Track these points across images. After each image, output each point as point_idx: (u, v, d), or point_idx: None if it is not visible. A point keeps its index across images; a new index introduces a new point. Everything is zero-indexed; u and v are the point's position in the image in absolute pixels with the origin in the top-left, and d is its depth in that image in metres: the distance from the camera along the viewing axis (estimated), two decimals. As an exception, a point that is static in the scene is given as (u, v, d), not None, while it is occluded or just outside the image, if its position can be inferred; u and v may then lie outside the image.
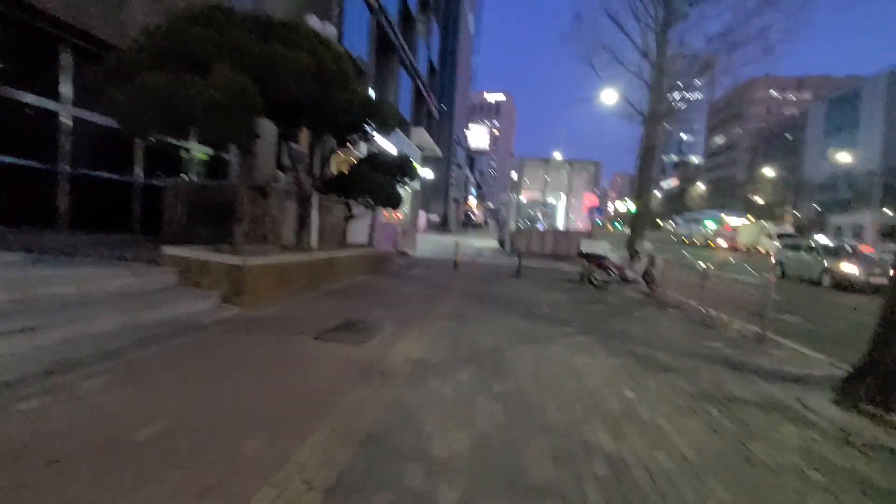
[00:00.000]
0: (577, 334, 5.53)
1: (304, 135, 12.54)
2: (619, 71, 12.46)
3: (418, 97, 33.12)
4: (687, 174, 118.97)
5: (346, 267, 8.73)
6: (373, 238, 11.85)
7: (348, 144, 9.12)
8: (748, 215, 34.27)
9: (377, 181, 9.11)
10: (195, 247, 5.97)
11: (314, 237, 8.26)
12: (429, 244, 20.45)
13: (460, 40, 51.93)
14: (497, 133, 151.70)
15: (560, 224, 25.69)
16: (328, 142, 8.85)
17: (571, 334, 5.52)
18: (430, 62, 36.90)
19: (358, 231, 13.24)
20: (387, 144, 21.75)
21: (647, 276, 9.83)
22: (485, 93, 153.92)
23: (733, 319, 6.80)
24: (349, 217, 9.76)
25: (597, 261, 9.99)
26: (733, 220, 33.59)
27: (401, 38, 26.13)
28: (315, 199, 8.27)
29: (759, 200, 61.22)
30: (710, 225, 35.85)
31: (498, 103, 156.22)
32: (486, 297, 7.94)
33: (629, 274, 9.81)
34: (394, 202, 10.06)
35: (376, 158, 11.68)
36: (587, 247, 10.10)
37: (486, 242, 26.33)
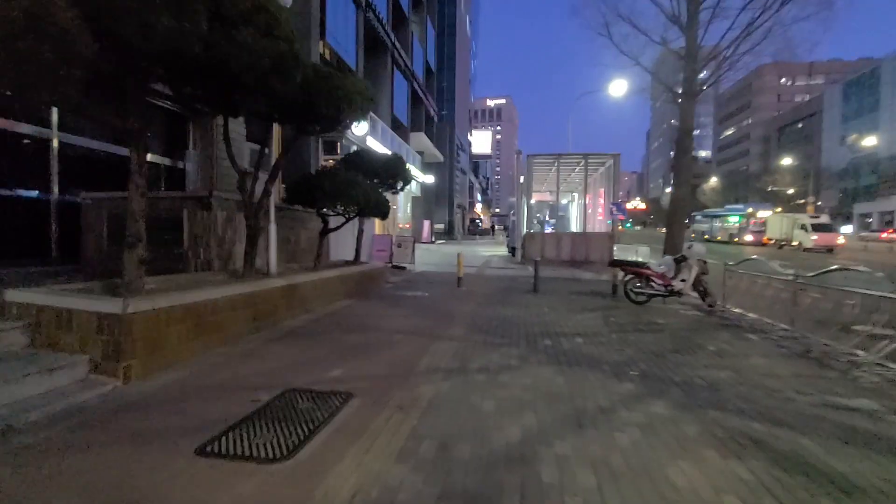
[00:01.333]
0: (645, 396, 3.53)
1: (276, 134, 10.75)
2: (641, 44, 10.55)
3: (415, 100, 31.44)
4: (696, 169, 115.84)
5: (316, 293, 6.83)
6: (359, 253, 9.97)
7: (336, 145, 7.22)
8: (777, 207, 31.87)
9: (356, 185, 7.22)
10: (61, 288, 4.10)
11: (272, 259, 6.38)
12: (431, 256, 18.53)
13: (457, 42, 50.42)
14: (500, 137, 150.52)
15: (575, 226, 23.62)
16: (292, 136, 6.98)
17: (637, 397, 3.52)
18: (427, 64, 35.28)
19: (346, 246, 11.38)
20: (381, 149, 20.01)
21: (699, 286, 7.80)
22: (486, 99, 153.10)
23: (855, 352, 4.74)
24: (326, 231, 7.89)
25: (635, 269, 7.98)
26: (761, 213, 31.23)
27: (392, 37, 24.47)
28: (272, 211, 6.41)
29: (778, 191, 58.44)
30: (733, 220, 33.50)
31: (499, 107, 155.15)
32: (497, 327, 5.97)
33: (677, 285, 7.79)
34: (380, 210, 8.17)
35: (358, 158, 9.83)
36: (621, 253, 8.09)
37: (494, 250, 24.33)
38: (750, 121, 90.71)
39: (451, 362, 4.27)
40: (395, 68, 25.37)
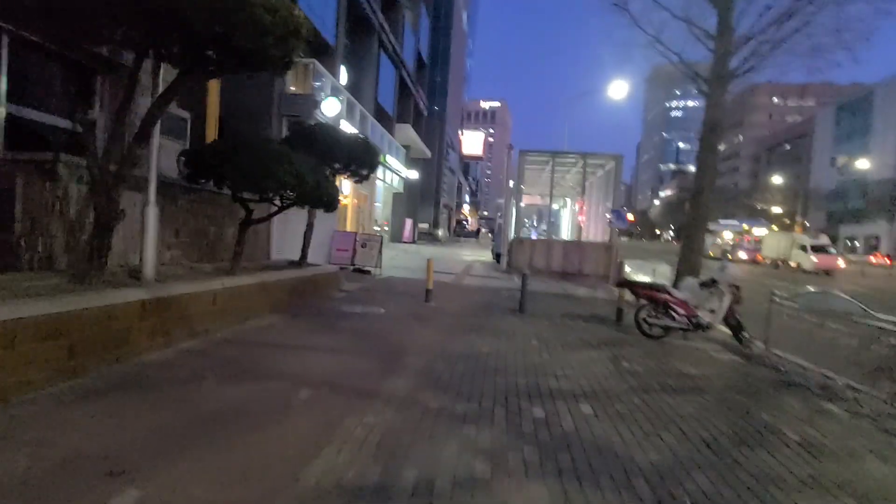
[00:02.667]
0: None
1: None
2: (659, 21, 8.82)
3: (404, 90, 29.46)
4: (686, 183, 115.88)
5: (216, 308, 4.86)
6: (307, 253, 7.99)
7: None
8: (773, 225, 30.75)
9: (286, 162, 5.26)
10: None
11: (148, 258, 4.39)
12: (407, 258, 16.58)
13: (453, 37, 48.62)
14: (492, 140, 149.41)
15: (566, 234, 21.91)
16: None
17: None
18: (419, 54, 33.34)
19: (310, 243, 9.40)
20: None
21: (731, 319, 6.05)
22: (480, 100, 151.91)
23: None
24: (249, 221, 5.90)
25: (650, 294, 6.18)
26: (756, 230, 30.03)
27: (380, 18, 22.46)
28: (152, 188, 4.42)
29: (767, 209, 58.05)
30: (727, 235, 32.31)
31: (493, 110, 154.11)
32: (464, 376, 4.08)
33: (705, 317, 6.02)
34: (322, 200, 6.22)
35: (310, 134, 7.86)
36: (634, 270, 6.30)
37: (478, 254, 22.50)
38: (741, 138, 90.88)
39: (368, 468, 2.36)
40: (381, 52, 23.38)
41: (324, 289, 7.69)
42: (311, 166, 5.91)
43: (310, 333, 5.16)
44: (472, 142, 74.83)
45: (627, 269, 6.31)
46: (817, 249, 24.30)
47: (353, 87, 20.34)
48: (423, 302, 7.76)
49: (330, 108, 13.58)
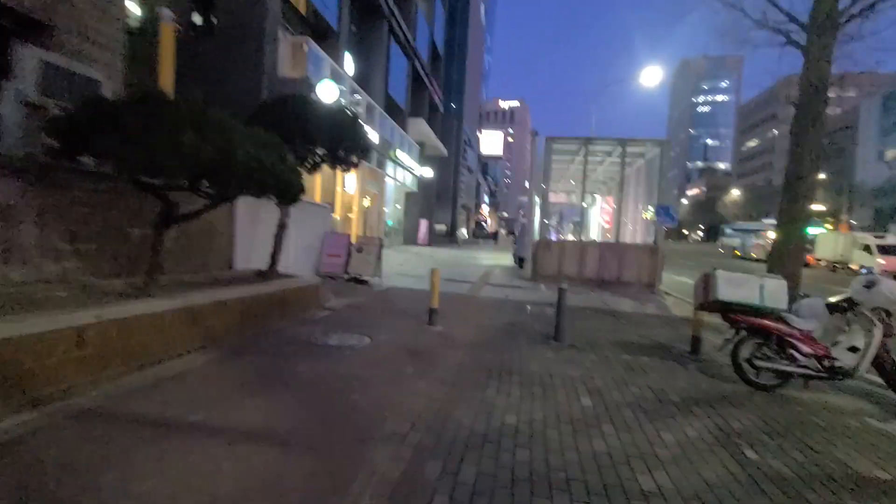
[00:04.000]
0: None
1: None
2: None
3: (417, 83, 27.70)
4: (714, 181, 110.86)
5: (84, 353, 3.08)
6: (276, 259, 6.22)
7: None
8: (827, 223, 27.71)
9: (208, 130, 3.45)
10: None
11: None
12: (418, 263, 14.74)
13: (470, 30, 46.74)
14: (511, 140, 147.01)
15: (595, 235, 19.70)
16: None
17: None
18: (434, 46, 31.55)
19: (301, 241, 7.66)
20: (369, 132, 16.25)
21: (888, 363, 3.97)
22: (499, 100, 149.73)
23: None
24: (169, 218, 4.12)
25: (758, 322, 4.15)
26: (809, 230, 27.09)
27: (390, 3, 20.79)
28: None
29: (814, 207, 53.93)
30: (769, 235, 29.35)
31: (512, 110, 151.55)
32: (477, 492, 2.18)
33: (843, 359, 3.97)
34: (273, 186, 4.40)
35: (281, 109, 6.10)
36: (732, 287, 4.28)
37: (497, 258, 20.49)
38: (775, 132, 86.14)
39: None
40: (392, 41, 21.69)
41: (296, 308, 5.88)
42: (257, 141, 4.09)
43: (238, 390, 3.32)
44: (491, 141, 72.69)
45: (720, 281, 4.23)
46: (886, 251, 21.36)
47: (361, 78, 18.67)
48: (425, 325, 5.87)
49: (326, 92, 11.84)
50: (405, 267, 13.14)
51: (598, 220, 20.45)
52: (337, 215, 14.85)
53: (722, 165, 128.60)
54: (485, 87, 77.77)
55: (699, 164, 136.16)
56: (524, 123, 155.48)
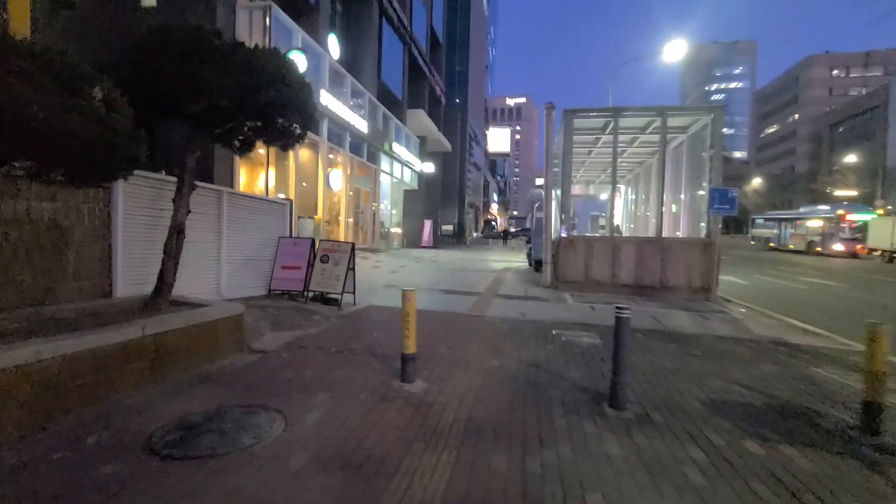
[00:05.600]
0: None
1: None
2: None
3: (416, 71, 25.48)
4: (731, 171, 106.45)
5: None
6: (167, 281, 4.05)
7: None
8: (878, 209, 24.83)
9: None
10: None
11: None
12: (416, 270, 12.50)
13: (472, 19, 44.45)
14: (519, 137, 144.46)
15: (624, 228, 17.23)
16: None
17: None
18: (433, 32, 29.28)
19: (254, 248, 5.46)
20: (346, 114, 14.07)
21: None
22: (506, 97, 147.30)
23: None
24: None
25: None
26: (855, 216, 24.22)
27: (378, -23, 18.68)
28: None
29: (841, 193, 50.71)
30: (813, 224, 26.54)
31: (519, 106, 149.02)
32: None
33: None
34: (63, 154, 2.15)
35: (164, 36, 3.92)
36: None
37: (510, 259, 18.16)
38: (796, 117, 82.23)
39: None
40: (385, 23, 19.52)
41: (190, 359, 3.68)
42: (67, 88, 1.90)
43: None
44: (498, 138, 70.27)
45: None
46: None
47: (350, 63, 16.53)
48: (394, 382, 3.63)
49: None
50: (398, 276, 10.91)
51: (630, 210, 17.90)
52: (318, 217, 12.69)
53: (738, 154, 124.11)
54: (490, 82, 75.26)
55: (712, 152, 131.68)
56: (531, 120, 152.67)
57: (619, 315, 3.35)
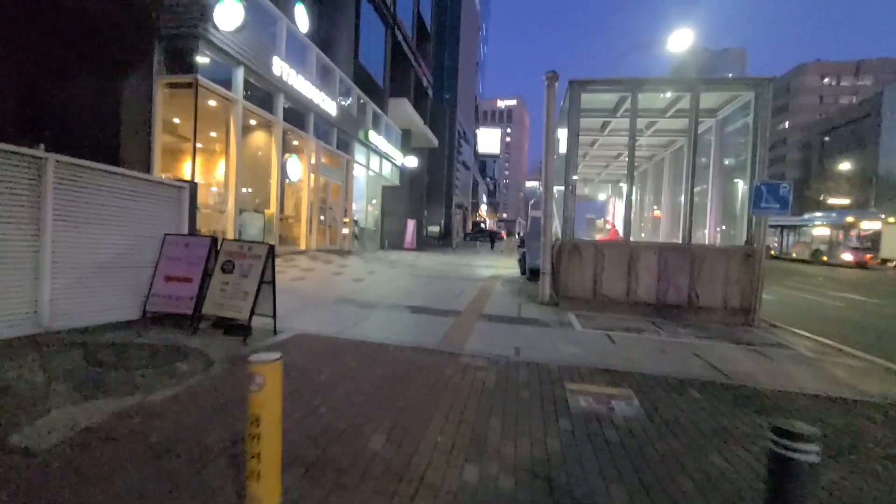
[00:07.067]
0: None
1: None
2: None
3: (399, 58, 23.35)
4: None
5: None
6: None
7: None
8: (890, 217, 23.44)
9: None
10: None
11: None
12: (390, 277, 10.38)
13: (462, 12, 42.58)
14: (509, 140, 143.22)
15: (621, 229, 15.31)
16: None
17: None
18: (420, 19, 27.19)
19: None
20: (306, 88, 11.84)
21: None
22: (497, 99, 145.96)
23: None
24: None
25: None
26: (866, 224, 22.77)
27: (358, -52, 16.60)
28: None
29: (834, 201, 50.06)
30: (819, 232, 25.10)
31: (509, 108, 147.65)
32: None
33: None
34: None
35: None
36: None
37: (500, 265, 16.16)
38: (787, 125, 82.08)
39: None
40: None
41: None
42: None
43: None
44: (488, 139, 68.66)
45: None
46: None
47: (324, 39, 14.40)
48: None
49: (226, 15, 7.60)
50: (361, 285, 8.82)
51: (638, 211, 15.97)
52: (271, 211, 10.53)
53: (728, 161, 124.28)
54: (481, 81, 73.47)
55: (703, 160, 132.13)
56: (522, 123, 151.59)
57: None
